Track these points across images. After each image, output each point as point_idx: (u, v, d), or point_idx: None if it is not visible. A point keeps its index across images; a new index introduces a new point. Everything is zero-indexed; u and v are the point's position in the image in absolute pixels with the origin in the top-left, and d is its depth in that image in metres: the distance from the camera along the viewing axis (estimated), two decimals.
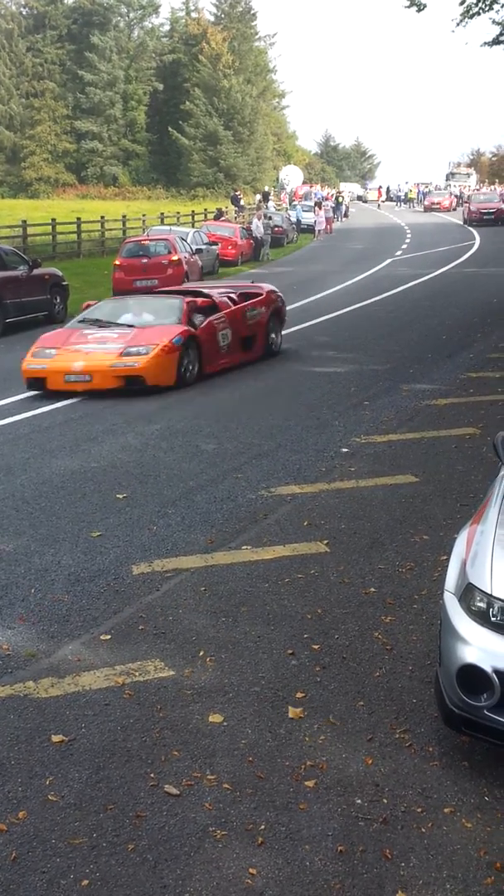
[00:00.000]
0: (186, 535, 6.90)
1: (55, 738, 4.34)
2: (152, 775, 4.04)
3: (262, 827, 3.71)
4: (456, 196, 71.78)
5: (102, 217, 37.45)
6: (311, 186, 72.60)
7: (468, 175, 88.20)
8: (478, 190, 78.47)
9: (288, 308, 15.78)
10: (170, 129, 75.37)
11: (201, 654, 5.10)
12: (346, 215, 61.69)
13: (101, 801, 3.88)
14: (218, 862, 3.53)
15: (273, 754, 4.18)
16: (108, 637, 5.32)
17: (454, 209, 65.82)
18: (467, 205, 55.56)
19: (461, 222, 52.63)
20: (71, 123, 75.38)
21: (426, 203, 72.06)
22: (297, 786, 3.95)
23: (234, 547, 6.63)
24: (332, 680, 4.79)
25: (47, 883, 3.44)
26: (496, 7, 21.72)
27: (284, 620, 5.46)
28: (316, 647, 5.13)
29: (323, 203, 53.74)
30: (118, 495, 7.83)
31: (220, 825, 3.72)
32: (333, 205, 57.63)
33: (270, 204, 48.97)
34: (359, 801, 3.84)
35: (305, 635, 5.27)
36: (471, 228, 47.97)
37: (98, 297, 23.55)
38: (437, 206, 68.57)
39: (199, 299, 13.74)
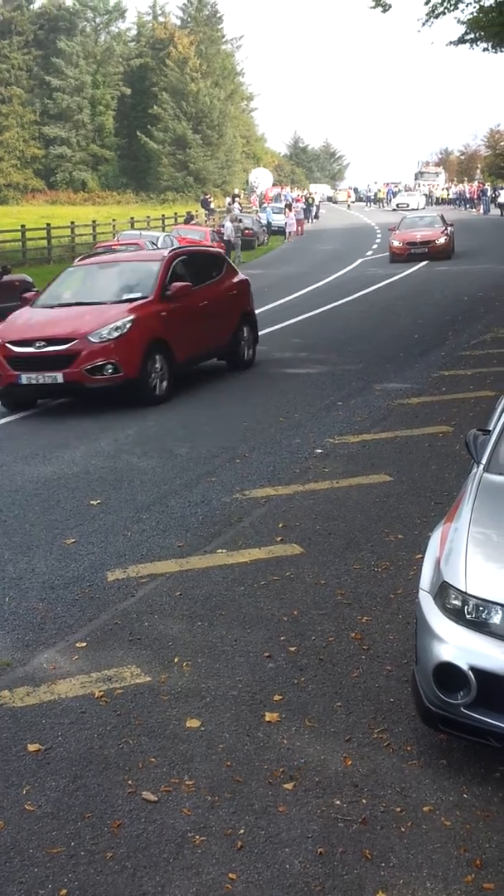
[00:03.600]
0: (161, 539, 6.87)
1: (31, 747, 4.30)
2: (130, 782, 4.01)
3: (242, 831, 3.69)
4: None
5: (72, 223, 37.38)
6: (281, 188, 72.87)
7: (437, 174, 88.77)
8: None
9: (261, 310, 15.78)
10: (138, 133, 75.36)
11: (177, 659, 5.07)
12: (316, 216, 61.90)
13: (78, 810, 3.85)
14: (197, 868, 3.50)
15: (251, 758, 4.16)
16: (84, 644, 5.28)
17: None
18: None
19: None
20: (39, 129, 75.18)
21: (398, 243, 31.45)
22: (276, 789, 3.94)
23: (209, 551, 6.61)
24: (310, 681, 4.78)
25: (25, 893, 3.41)
26: (461, 6, 21.83)
27: (260, 623, 5.45)
28: (293, 649, 5.12)
29: (293, 205, 53.91)
30: (92, 501, 7.78)
31: (199, 831, 3.70)
32: (304, 206, 57.80)
33: (235, 205, 48.85)
34: (338, 803, 3.83)
35: (282, 638, 5.26)
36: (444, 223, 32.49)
37: None
38: (428, 249, 30.55)
39: None
